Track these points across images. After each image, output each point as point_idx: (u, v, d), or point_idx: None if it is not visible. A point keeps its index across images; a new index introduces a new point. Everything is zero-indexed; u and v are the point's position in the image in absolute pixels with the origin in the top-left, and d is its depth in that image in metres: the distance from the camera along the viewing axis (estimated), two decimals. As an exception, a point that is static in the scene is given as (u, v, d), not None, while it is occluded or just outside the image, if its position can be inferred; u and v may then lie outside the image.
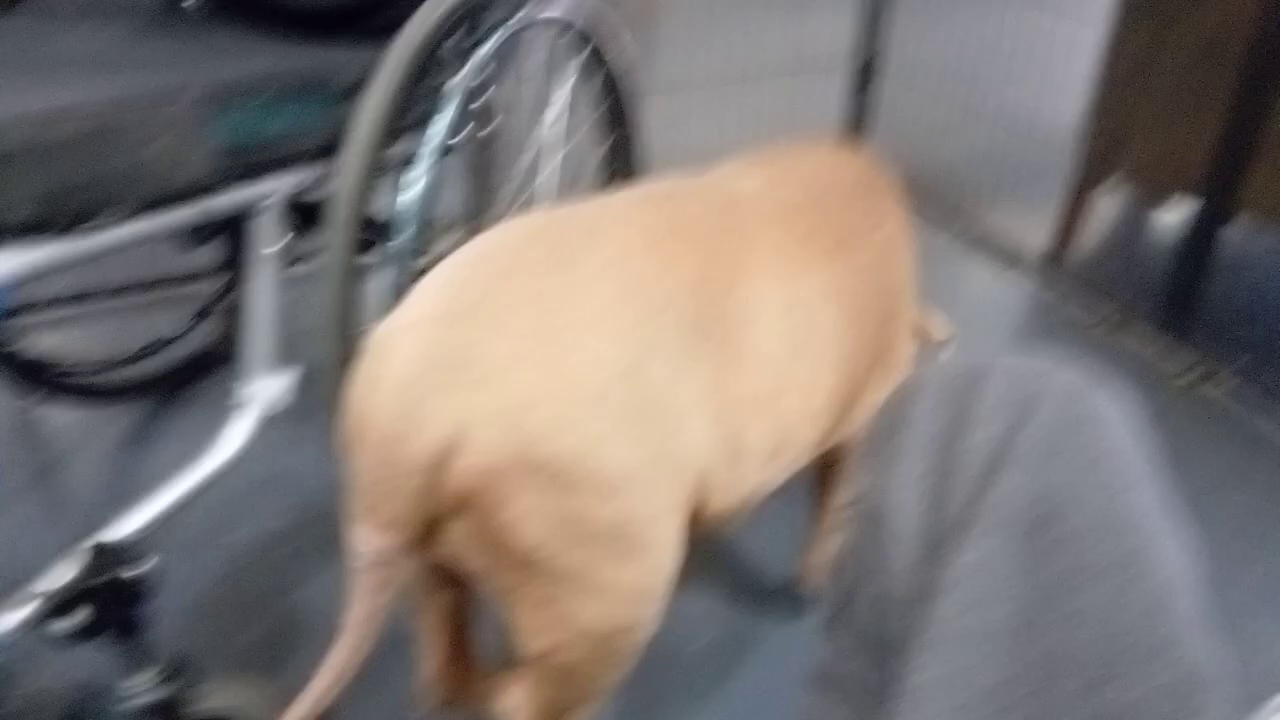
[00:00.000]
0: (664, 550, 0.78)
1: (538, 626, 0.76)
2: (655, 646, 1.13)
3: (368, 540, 0.72)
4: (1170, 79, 1.90)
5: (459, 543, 0.73)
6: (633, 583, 0.77)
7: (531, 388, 0.70)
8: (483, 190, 1.38)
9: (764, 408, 0.86)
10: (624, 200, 0.87)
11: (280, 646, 1.20)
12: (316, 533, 1.38)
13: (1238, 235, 1.82)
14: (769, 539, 1.38)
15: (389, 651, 0.80)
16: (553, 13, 1.27)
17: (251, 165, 0.95)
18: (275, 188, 0.99)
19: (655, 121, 2.12)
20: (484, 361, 0.70)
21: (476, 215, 1.33)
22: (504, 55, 1.30)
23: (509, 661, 0.84)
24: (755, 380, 0.85)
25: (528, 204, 1.39)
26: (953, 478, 0.55)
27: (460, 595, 0.90)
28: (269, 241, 1.00)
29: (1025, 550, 0.51)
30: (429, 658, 0.92)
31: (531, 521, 0.70)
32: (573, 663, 0.78)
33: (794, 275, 0.91)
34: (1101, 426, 0.54)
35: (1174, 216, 2.02)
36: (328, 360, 1.02)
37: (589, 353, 0.72)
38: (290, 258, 1.72)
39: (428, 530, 0.73)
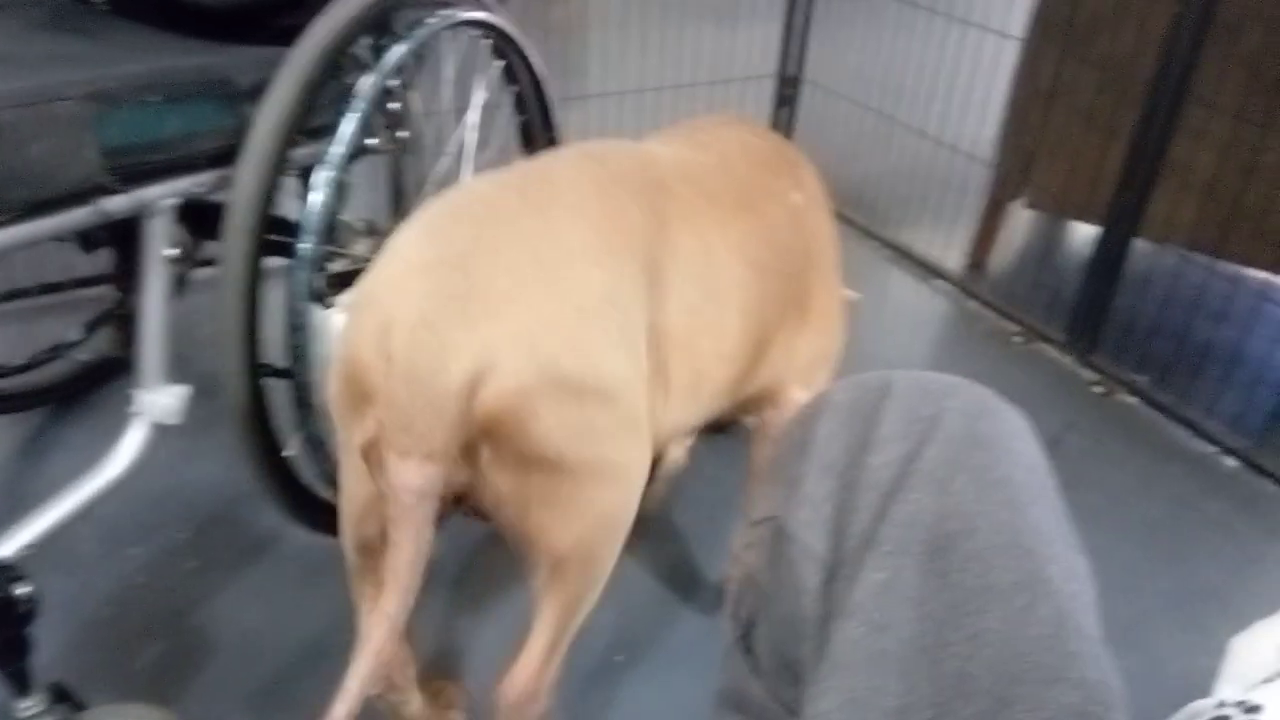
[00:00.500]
0: (644, 446, 0.88)
1: (561, 524, 0.84)
2: (580, 654, 1.11)
3: (413, 475, 0.76)
4: (1077, 102, 1.95)
5: (489, 466, 0.79)
6: (625, 472, 0.87)
7: (541, 313, 0.78)
8: (400, 194, 1.35)
9: (683, 346, 0.95)
10: (566, 157, 0.96)
11: (180, 668, 1.15)
12: (220, 547, 1.33)
13: (1144, 253, 1.87)
14: (702, 539, 1.37)
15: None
16: (473, 14, 1.24)
17: (145, 167, 0.91)
18: (171, 190, 0.95)
19: (585, 126, 2.11)
20: (494, 295, 0.76)
21: (394, 219, 1.30)
22: (421, 57, 1.27)
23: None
24: (677, 320, 0.94)
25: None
26: (857, 499, 0.54)
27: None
28: (163, 246, 0.95)
29: (930, 570, 0.50)
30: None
31: (556, 432, 0.78)
32: (590, 548, 0.87)
33: (704, 229, 0.99)
34: (1002, 445, 0.53)
35: (1086, 232, 2.07)
36: (229, 369, 0.98)
37: (581, 279, 0.81)
38: (198, 261, 1.67)
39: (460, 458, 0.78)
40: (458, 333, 0.75)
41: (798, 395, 1.16)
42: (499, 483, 0.81)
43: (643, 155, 1.02)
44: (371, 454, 0.78)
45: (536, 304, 0.78)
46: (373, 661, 0.80)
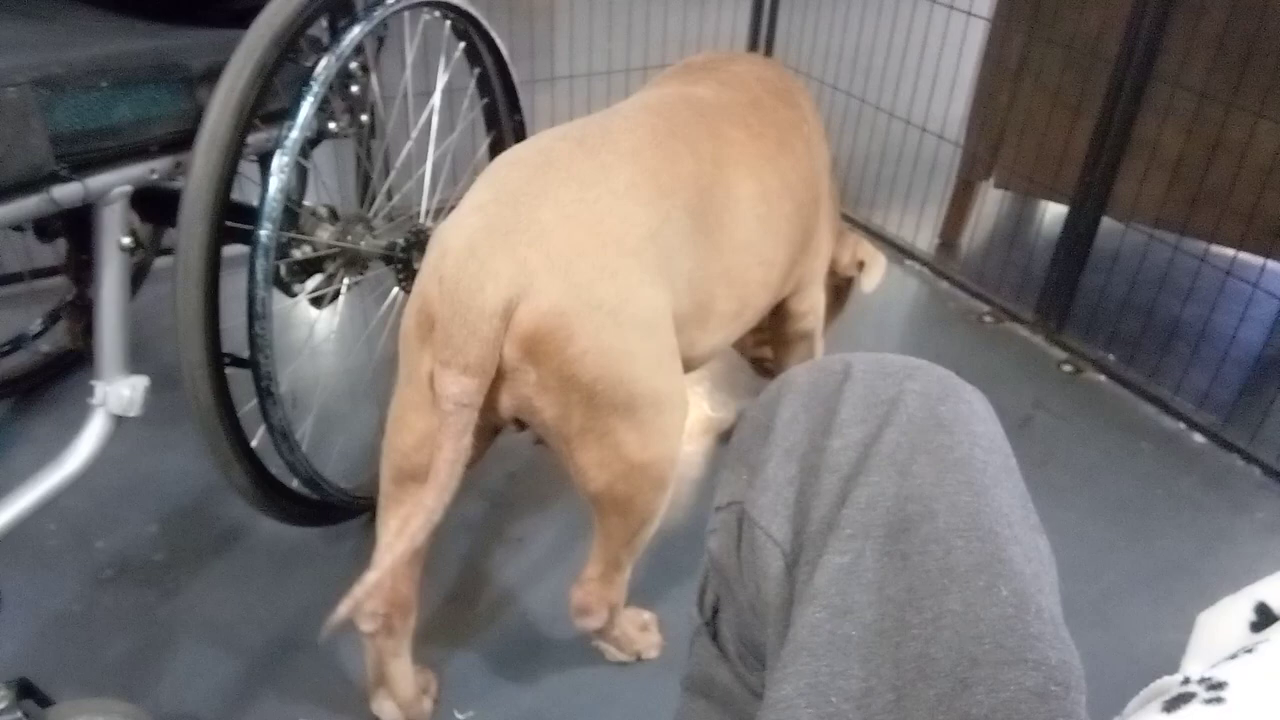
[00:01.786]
0: (681, 390, 0.95)
1: (597, 462, 0.91)
2: (568, 647, 1.10)
3: (452, 384, 0.84)
4: (1044, 81, 1.95)
5: (533, 388, 0.87)
6: (663, 419, 0.92)
7: (579, 242, 0.85)
8: (363, 178, 1.33)
9: (734, 279, 1.04)
10: (626, 110, 1.03)
11: (147, 663, 1.14)
12: (188, 539, 1.31)
13: (1111, 231, 1.88)
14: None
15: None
16: (433, -5, 1.22)
17: (97, 154, 0.89)
18: (124, 177, 0.93)
19: (553, 109, 2.09)
20: (535, 226, 0.84)
21: (360, 204, 1.28)
22: (382, 39, 1.25)
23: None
24: (730, 258, 1.03)
25: (412, 191, 1.34)
26: (818, 483, 0.53)
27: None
28: (118, 235, 0.93)
29: (890, 553, 0.50)
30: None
31: (592, 355, 0.85)
32: (627, 493, 0.94)
33: (759, 169, 1.08)
34: (962, 427, 0.53)
35: (1055, 211, 2.08)
36: (188, 360, 0.97)
37: (623, 216, 0.88)
38: (159, 249, 1.64)
39: (504, 378, 0.86)
40: (498, 259, 0.83)
41: (799, 306, 1.31)
42: (544, 408, 0.88)
43: (698, 105, 1.08)
44: (431, 380, 0.87)
45: (575, 235, 0.85)
46: (408, 545, 0.87)
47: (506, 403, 0.89)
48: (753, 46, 2.49)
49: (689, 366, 1.02)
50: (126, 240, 0.94)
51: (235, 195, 0.99)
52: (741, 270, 1.05)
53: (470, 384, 0.84)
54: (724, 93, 1.14)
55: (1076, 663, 0.47)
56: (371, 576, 0.86)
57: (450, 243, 0.85)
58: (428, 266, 0.87)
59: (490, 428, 0.97)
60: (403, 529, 0.89)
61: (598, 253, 0.86)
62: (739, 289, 1.06)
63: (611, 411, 0.89)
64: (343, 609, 0.85)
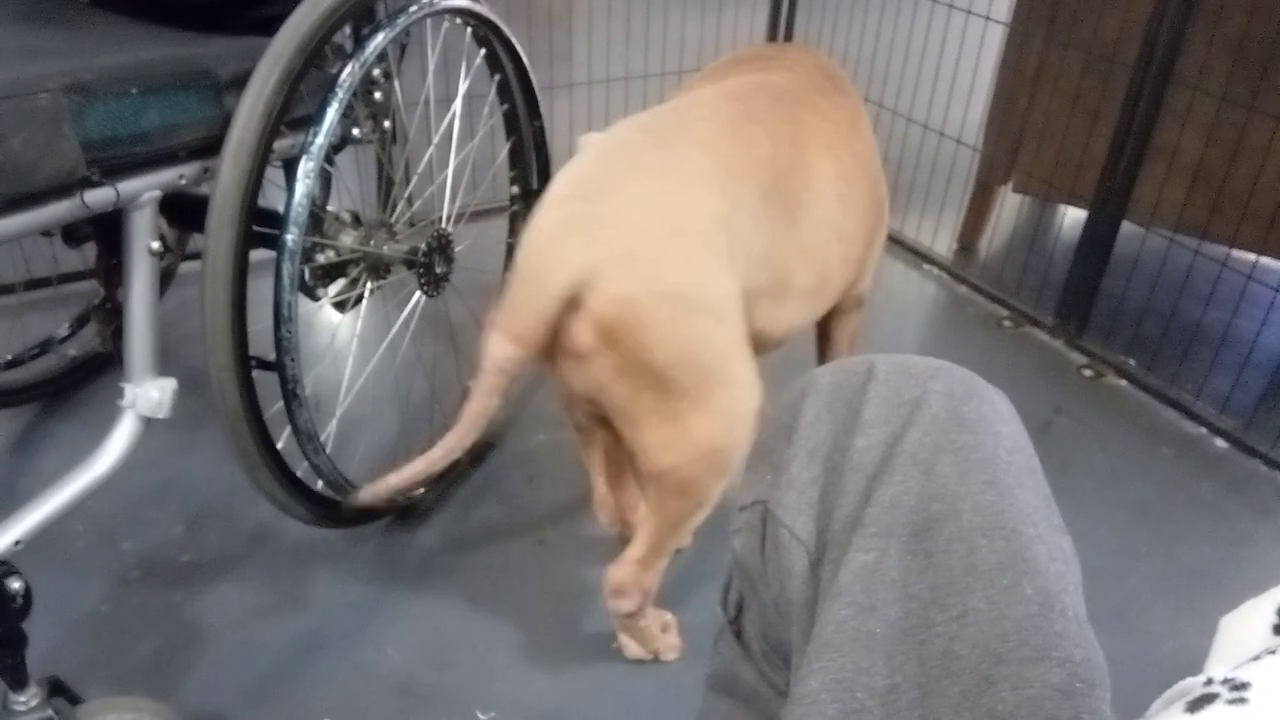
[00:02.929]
0: (750, 377, 0.97)
1: (663, 444, 0.95)
2: (572, 640, 1.11)
3: (500, 348, 0.92)
4: (1063, 86, 1.95)
5: (605, 372, 0.92)
6: (732, 404, 0.96)
7: (649, 233, 0.90)
8: (387, 184, 1.34)
9: (814, 255, 1.08)
10: (704, 98, 1.07)
11: (174, 662, 1.15)
12: (214, 540, 1.33)
13: (1131, 236, 1.87)
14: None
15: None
16: (455, 2, 1.23)
17: (126, 159, 0.90)
18: (154, 183, 0.94)
19: (571, 115, 2.10)
20: (607, 220, 0.90)
21: (382, 209, 1.30)
22: (404, 46, 1.27)
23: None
24: (810, 235, 1.07)
25: (434, 197, 1.35)
26: (842, 482, 0.54)
27: (610, 439, 1.13)
28: (147, 240, 0.95)
29: (915, 551, 0.50)
30: (596, 485, 1.22)
31: (664, 342, 0.90)
32: (689, 477, 0.97)
33: (836, 150, 1.12)
34: (985, 427, 0.53)
35: (1074, 215, 2.07)
36: (216, 363, 0.98)
37: (691, 204, 0.92)
38: (186, 254, 1.66)
39: (580, 362, 0.92)
40: (571, 248, 0.89)
41: (866, 287, 1.35)
42: (617, 389, 0.93)
43: (774, 90, 1.13)
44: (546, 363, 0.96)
45: (646, 225, 0.90)
46: (424, 465, 1.00)
47: (580, 384, 0.95)
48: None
49: (771, 343, 1.08)
50: (156, 245, 0.96)
51: (261, 201, 1.01)
52: (821, 246, 1.09)
53: (513, 352, 0.91)
54: (794, 78, 1.19)
55: (1101, 660, 0.47)
56: (419, 467, 1.01)
57: (532, 235, 0.92)
58: (523, 241, 0.94)
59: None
60: (448, 437, 0.99)
61: (667, 242, 0.90)
62: (819, 265, 1.10)
63: (682, 395, 0.93)
64: (375, 491, 1.02)
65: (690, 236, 0.91)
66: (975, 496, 0.51)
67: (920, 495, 0.51)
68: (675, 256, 0.91)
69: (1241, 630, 0.84)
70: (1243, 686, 0.59)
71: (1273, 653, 0.65)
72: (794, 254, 1.05)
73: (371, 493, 1.02)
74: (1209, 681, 0.62)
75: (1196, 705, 0.59)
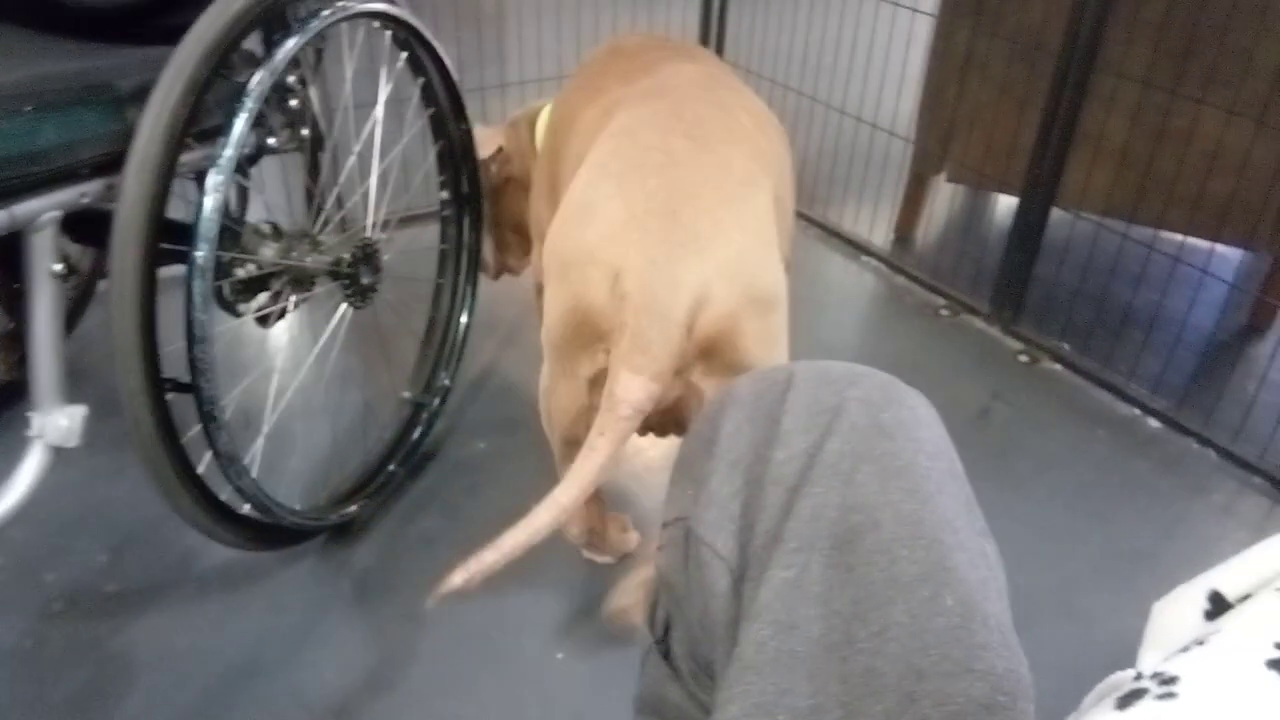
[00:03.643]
0: None
1: None
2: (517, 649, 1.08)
3: (639, 390, 0.90)
4: (991, 74, 1.97)
5: (701, 379, 0.95)
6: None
7: (738, 245, 0.93)
8: (308, 194, 1.31)
9: (789, 237, 1.13)
10: (693, 94, 1.09)
11: (101, 698, 1.11)
12: (140, 568, 1.28)
13: (1061, 222, 1.89)
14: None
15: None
16: (370, 5, 1.20)
17: (19, 181, 0.86)
18: (53, 203, 0.90)
19: (505, 114, 2.07)
20: (701, 235, 0.92)
21: (308, 219, 1.26)
22: (320, 52, 1.23)
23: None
24: (786, 221, 1.09)
25: (358, 206, 1.32)
26: (763, 496, 0.53)
27: None
28: (49, 262, 0.91)
29: (836, 565, 0.49)
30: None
31: (753, 341, 0.93)
32: None
33: (767, 128, 1.15)
34: (904, 433, 0.52)
35: (1006, 203, 2.09)
36: (127, 387, 0.94)
37: (756, 207, 0.96)
38: (102, 273, 1.60)
39: (675, 376, 0.93)
40: (680, 271, 0.90)
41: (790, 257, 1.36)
42: (705, 391, 0.96)
43: (719, 79, 1.18)
44: (597, 379, 0.96)
45: (733, 237, 0.93)
46: (530, 535, 0.93)
47: (668, 396, 0.95)
48: (702, 45, 2.48)
49: None
50: (58, 267, 0.92)
51: (175, 216, 0.97)
52: (790, 226, 1.15)
53: (655, 390, 0.91)
54: (707, 64, 1.24)
55: (1024, 671, 0.46)
56: (519, 538, 0.94)
57: (624, 261, 0.91)
58: (591, 284, 0.93)
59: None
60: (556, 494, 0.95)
61: (752, 250, 0.94)
62: (790, 235, 1.16)
63: None
64: (469, 573, 0.91)
65: (763, 238, 0.96)
66: (896, 506, 0.50)
67: (840, 506, 0.50)
68: (761, 261, 0.95)
69: (1173, 617, 0.84)
70: (1171, 680, 0.59)
71: (1201, 643, 0.65)
72: (786, 229, 1.08)
73: (465, 575, 0.89)
74: (1139, 676, 0.61)
75: (1126, 701, 0.59)
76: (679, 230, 0.91)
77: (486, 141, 1.49)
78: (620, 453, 0.92)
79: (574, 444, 1.05)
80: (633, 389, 0.90)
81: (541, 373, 1.08)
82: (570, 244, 0.96)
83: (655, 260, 0.90)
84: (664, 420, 1.02)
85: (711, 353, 0.93)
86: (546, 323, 1.00)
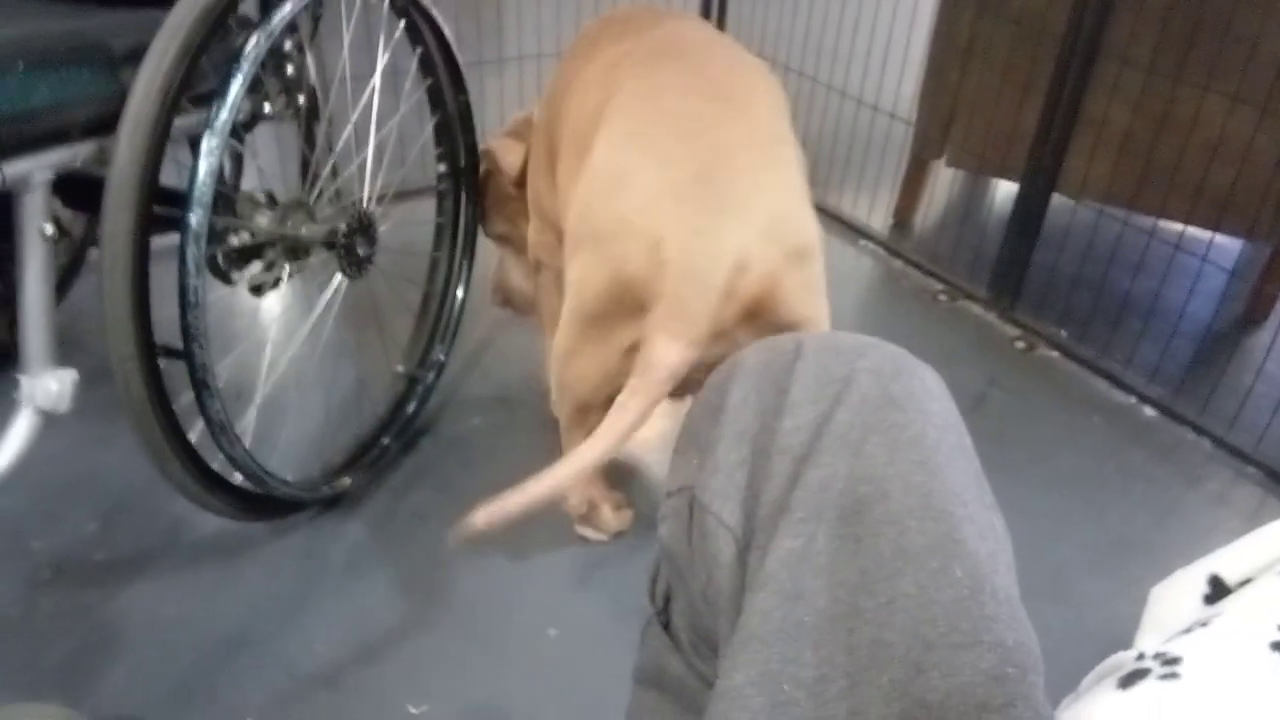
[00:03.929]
0: None
1: None
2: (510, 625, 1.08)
3: (676, 356, 0.90)
4: (993, 59, 1.95)
5: (743, 336, 0.93)
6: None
7: (777, 205, 0.93)
8: (303, 162, 1.29)
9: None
10: (700, 54, 1.08)
11: (89, 666, 1.10)
12: (129, 537, 1.27)
13: (1062, 208, 1.88)
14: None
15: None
16: (371, -28, 1.18)
17: (13, 139, 0.84)
18: (45, 163, 0.88)
19: (502, 91, 2.05)
20: (739, 199, 0.91)
21: (303, 189, 1.24)
22: (318, 18, 1.21)
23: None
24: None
25: (354, 176, 1.30)
26: (770, 465, 0.52)
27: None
28: (40, 223, 0.89)
29: (843, 536, 0.48)
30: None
31: (794, 295, 0.94)
32: None
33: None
34: (914, 405, 0.52)
35: (1006, 189, 2.08)
36: (118, 353, 0.93)
37: (788, 163, 0.97)
38: (93, 238, 1.58)
39: (715, 339, 0.93)
40: (721, 238, 0.90)
41: None
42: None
43: (718, 40, 1.18)
44: (633, 346, 0.95)
45: (771, 198, 0.93)
46: (552, 486, 0.91)
47: (709, 356, 0.93)
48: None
49: None
50: (49, 228, 0.90)
51: (169, 181, 0.95)
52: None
53: (691, 355, 0.91)
54: (706, 29, 1.25)
55: (1033, 643, 0.46)
56: (542, 487, 0.91)
57: (664, 230, 0.90)
58: (630, 254, 0.92)
59: None
60: (583, 449, 0.94)
61: (789, 210, 0.94)
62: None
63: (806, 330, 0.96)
64: (491, 514, 0.89)
65: (798, 195, 0.96)
66: (905, 477, 0.49)
67: (849, 477, 0.49)
68: (799, 217, 0.95)
69: (1172, 600, 0.84)
70: (1174, 661, 0.59)
71: (1204, 625, 0.65)
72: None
73: (487, 515, 0.88)
74: (1141, 656, 0.61)
75: (1129, 681, 0.59)
76: (717, 196, 0.91)
77: (509, 151, 1.41)
78: (649, 415, 0.92)
79: (588, 410, 1.06)
80: (670, 354, 0.90)
81: (555, 340, 1.06)
82: (605, 215, 0.95)
83: (696, 229, 0.90)
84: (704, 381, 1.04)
85: (756, 313, 0.93)
86: (578, 294, 0.99)
